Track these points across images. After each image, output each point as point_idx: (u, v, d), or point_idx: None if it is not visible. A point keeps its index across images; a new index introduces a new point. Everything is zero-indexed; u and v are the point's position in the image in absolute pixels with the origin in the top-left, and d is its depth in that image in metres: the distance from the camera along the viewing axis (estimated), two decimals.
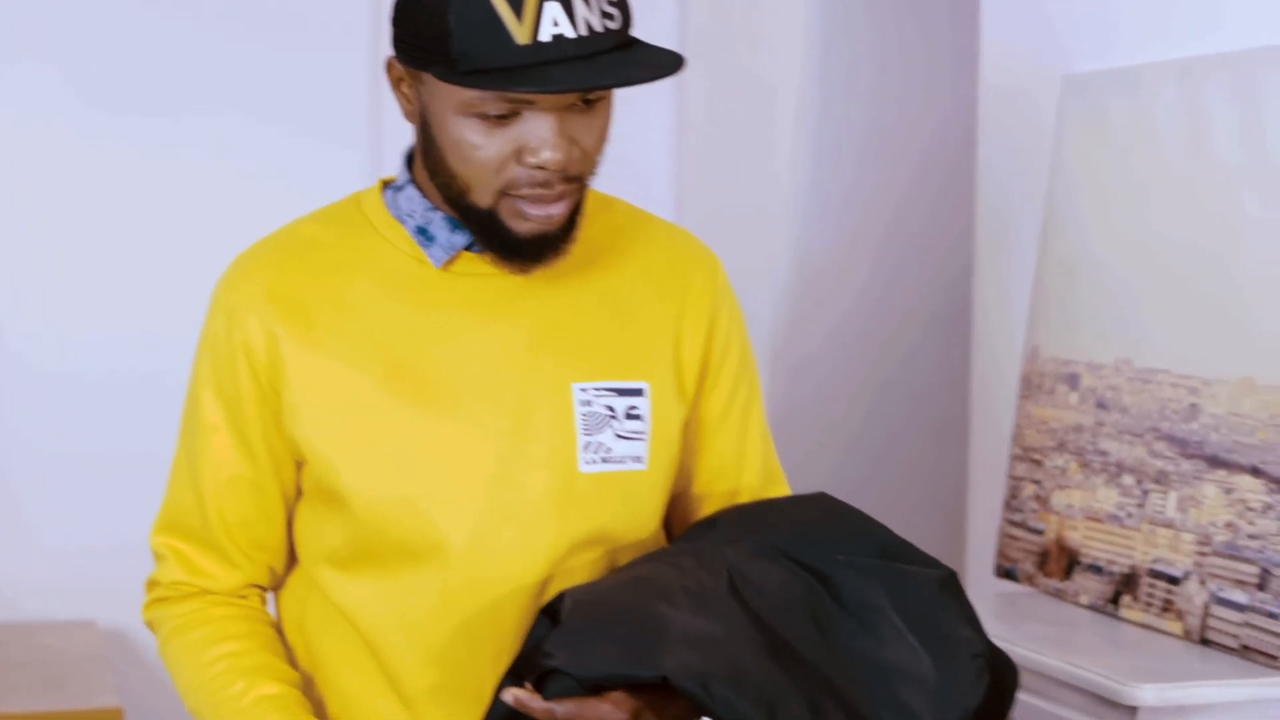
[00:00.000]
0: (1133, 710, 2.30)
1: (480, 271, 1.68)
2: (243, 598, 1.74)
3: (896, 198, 3.67)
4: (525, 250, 1.63)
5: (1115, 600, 2.68)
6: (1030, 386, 2.94)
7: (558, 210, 1.61)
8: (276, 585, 1.77)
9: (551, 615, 1.60)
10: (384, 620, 1.66)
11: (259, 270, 1.70)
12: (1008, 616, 2.71)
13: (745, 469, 1.83)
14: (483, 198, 1.61)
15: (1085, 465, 2.80)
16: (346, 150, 3.50)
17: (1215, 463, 2.54)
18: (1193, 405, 2.60)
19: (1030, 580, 2.87)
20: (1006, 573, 2.94)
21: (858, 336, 3.65)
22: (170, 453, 1.76)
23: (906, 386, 3.58)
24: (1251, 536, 2.45)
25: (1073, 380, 2.85)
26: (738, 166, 3.78)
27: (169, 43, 3.46)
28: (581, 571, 1.68)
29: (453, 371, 1.65)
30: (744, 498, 1.83)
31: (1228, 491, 2.50)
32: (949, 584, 1.69)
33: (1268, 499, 2.44)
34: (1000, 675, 1.71)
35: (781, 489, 1.89)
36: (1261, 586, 2.41)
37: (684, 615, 1.58)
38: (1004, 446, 3.04)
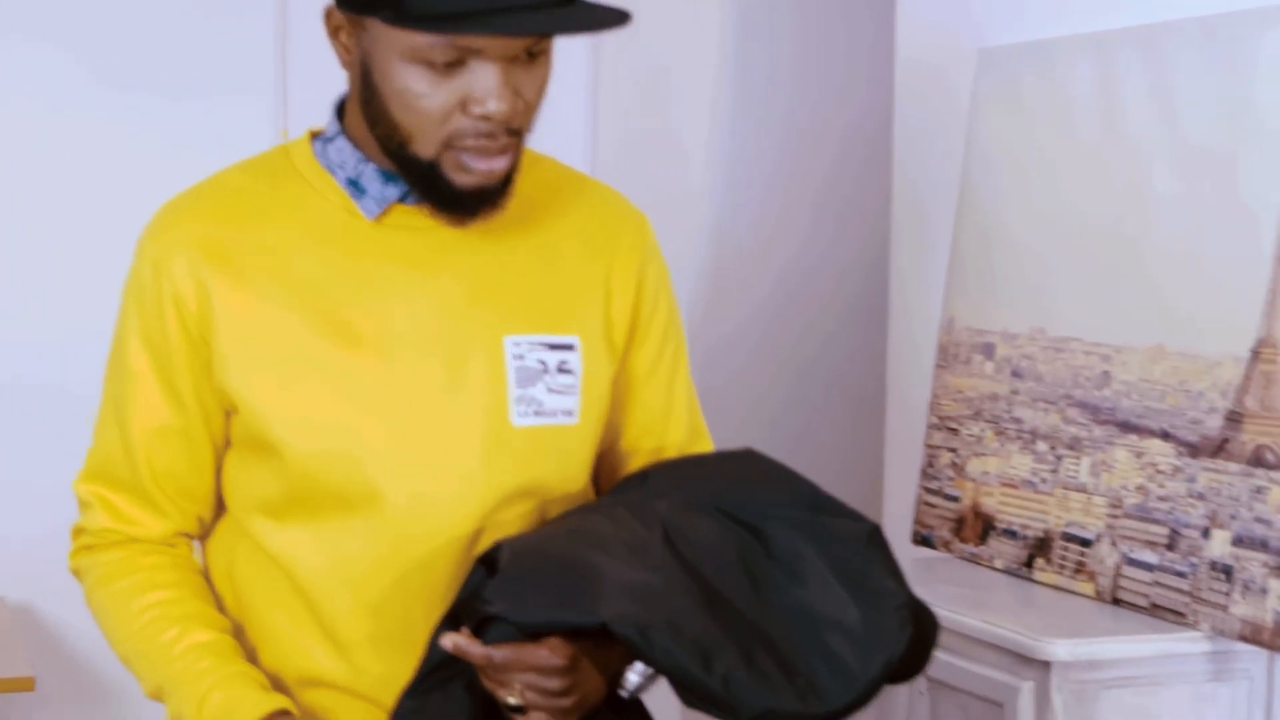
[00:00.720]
0: (1046, 665, 2.36)
1: (412, 224, 1.69)
2: (171, 546, 1.74)
3: (816, 178, 3.72)
4: (464, 203, 1.64)
5: (1029, 563, 2.74)
6: (947, 357, 3.00)
7: (500, 164, 1.62)
8: (204, 535, 1.78)
9: (488, 564, 1.62)
10: (318, 567, 1.67)
11: (186, 218, 1.69)
12: (924, 580, 2.76)
13: (672, 425, 1.85)
14: (425, 148, 1.61)
15: (1001, 433, 2.85)
16: (252, 103, 3.47)
17: (1126, 428, 2.60)
18: (1105, 372, 2.66)
19: (946, 546, 2.93)
20: (923, 539, 2.99)
21: (777, 315, 3.69)
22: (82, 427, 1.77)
23: (826, 363, 3.63)
24: (1161, 499, 2.51)
25: (988, 350, 2.91)
26: (655, 150, 3.81)
27: (59, 6, 3.42)
28: (513, 524, 1.70)
29: (385, 323, 1.66)
30: (670, 454, 1.86)
31: (1138, 456, 2.57)
32: (874, 537, 1.73)
33: (1177, 462, 2.50)
34: (921, 626, 1.75)
35: (706, 446, 1.91)
36: (1170, 547, 2.48)
37: (620, 565, 1.60)
38: (921, 417, 3.10)
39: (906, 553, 3.03)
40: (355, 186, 1.69)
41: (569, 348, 1.72)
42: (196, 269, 1.66)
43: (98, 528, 1.73)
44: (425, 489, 1.66)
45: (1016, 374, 2.84)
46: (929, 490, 2.99)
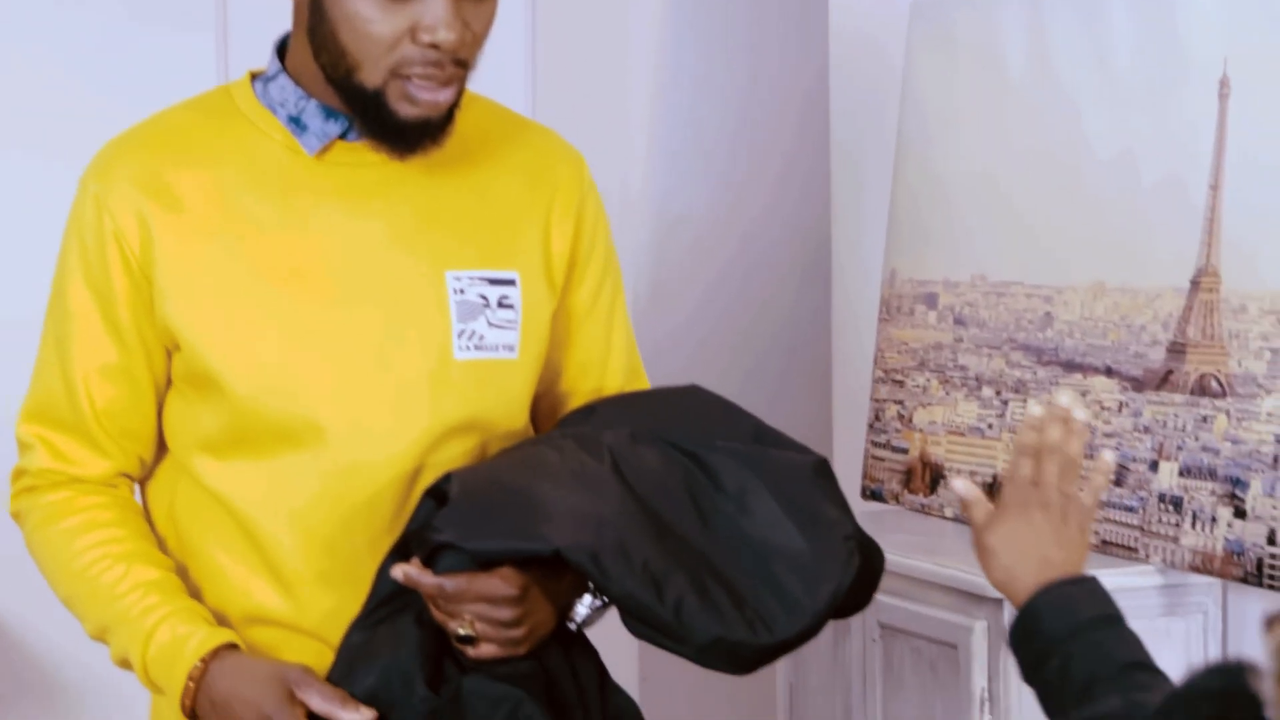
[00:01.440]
0: (999, 602, 2.35)
1: (353, 161, 1.69)
2: (112, 487, 1.73)
3: (756, 143, 3.71)
4: (407, 135, 1.64)
5: None
6: (890, 310, 2.99)
7: (445, 96, 1.62)
8: (144, 476, 1.77)
9: (437, 497, 1.61)
10: (261, 503, 1.67)
11: (128, 156, 1.69)
12: (875, 532, 2.72)
13: (610, 365, 1.86)
14: (372, 76, 1.61)
15: (946, 381, 2.85)
16: (194, 41, 3.39)
17: (1070, 367, 2.60)
18: (1047, 314, 2.66)
19: (896, 498, 2.92)
20: (873, 494, 2.98)
21: (721, 279, 3.68)
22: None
23: (771, 325, 3.62)
24: (1108, 435, 2.51)
25: (931, 300, 2.91)
26: (594, 120, 3.80)
27: None
28: (454, 460, 1.70)
29: (325, 258, 1.66)
30: (609, 394, 1.86)
31: (1084, 394, 2.56)
32: (821, 469, 1.73)
33: (1121, 397, 2.50)
34: (868, 558, 1.75)
35: (644, 387, 1.91)
36: (1119, 482, 2.48)
37: (570, 494, 1.60)
38: (867, 372, 3.09)
39: (857, 507, 3.01)
40: (296, 124, 1.69)
41: (509, 283, 1.73)
42: (138, 205, 1.66)
43: (38, 469, 1.73)
44: (366, 421, 1.66)
45: (959, 322, 2.83)
46: (876, 444, 2.98)
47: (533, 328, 1.75)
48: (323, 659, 1.64)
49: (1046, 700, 1.55)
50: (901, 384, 2.95)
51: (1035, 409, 1.61)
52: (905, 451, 2.91)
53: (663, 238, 3.64)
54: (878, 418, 2.99)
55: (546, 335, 1.78)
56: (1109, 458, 1.67)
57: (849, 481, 3.12)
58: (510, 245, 1.74)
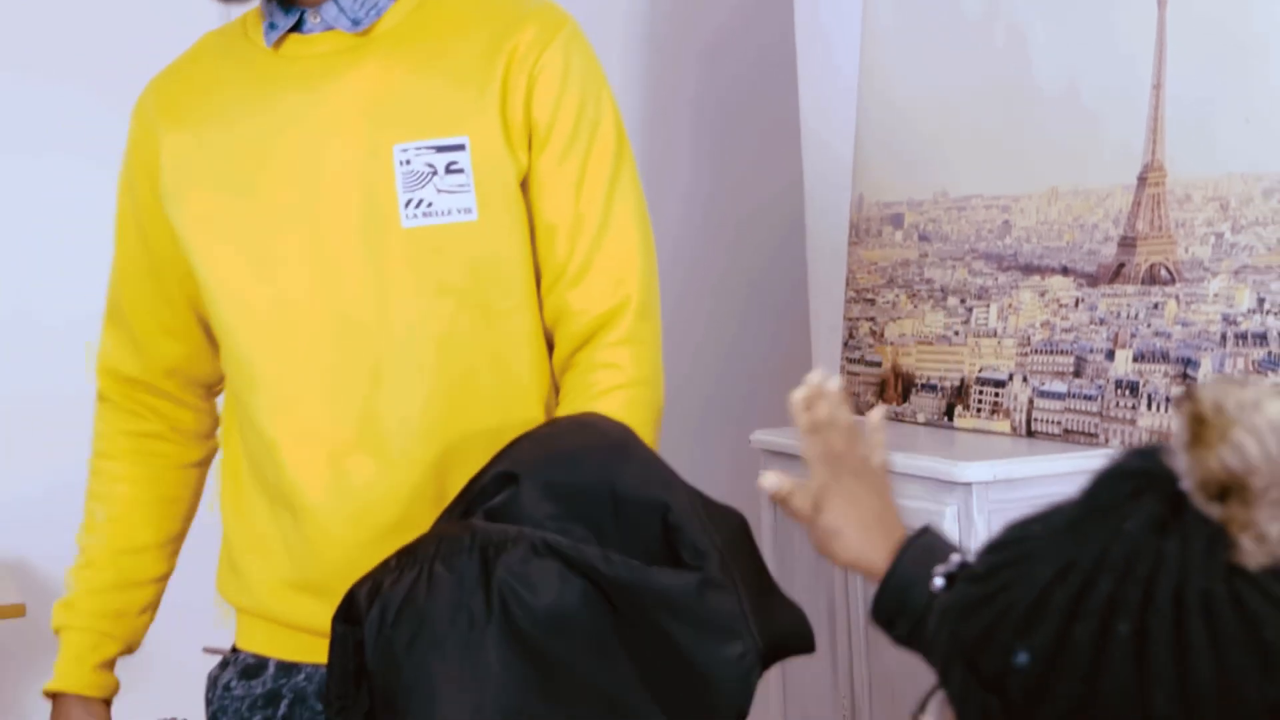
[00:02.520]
0: (967, 486, 2.48)
1: (305, 52, 1.78)
2: (154, 395, 1.92)
3: (726, 95, 3.82)
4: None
5: (949, 413, 2.86)
6: (859, 233, 3.12)
7: None
8: (210, 393, 1.96)
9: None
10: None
11: (160, 78, 1.88)
12: None
13: (578, 239, 1.78)
14: None
15: (914, 295, 2.98)
16: None
17: (1029, 270, 2.73)
18: (1005, 222, 2.79)
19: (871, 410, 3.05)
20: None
21: (705, 223, 3.79)
22: None
23: (748, 257, 3.74)
24: (1066, 331, 2.64)
25: (896, 220, 3.04)
26: None
27: None
28: (437, 324, 1.73)
29: (279, 153, 1.76)
30: (568, 307, 1.79)
31: (1042, 294, 2.70)
32: (707, 584, 1.57)
33: (1078, 294, 2.63)
34: (776, 645, 1.65)
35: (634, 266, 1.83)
36: (1078, 374, 2.61)
37: (454, 680, 1.54)
38: (840, 294, 3.22)
39: None
40: (271, 27, 1.81)
41: (458, 148, 1.73)
42: (151, 114, 1.84)
43: (105, 367, 1.95)
44: (328, 286, 1.75)
45: (924, 238, 2.97)
46: (851, 360, 3.12)
47: (491, 189, 1.73)
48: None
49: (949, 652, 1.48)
50: (872, 302, 3.08)
51: (794, 400, 1.54)
52: (878, 365, 3.05)
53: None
54: (851, 335, 3.12)
55: (515, 198, 1.75)
56: (877, 415, 1.63)
57: None
58: (461, 111, 1.74)
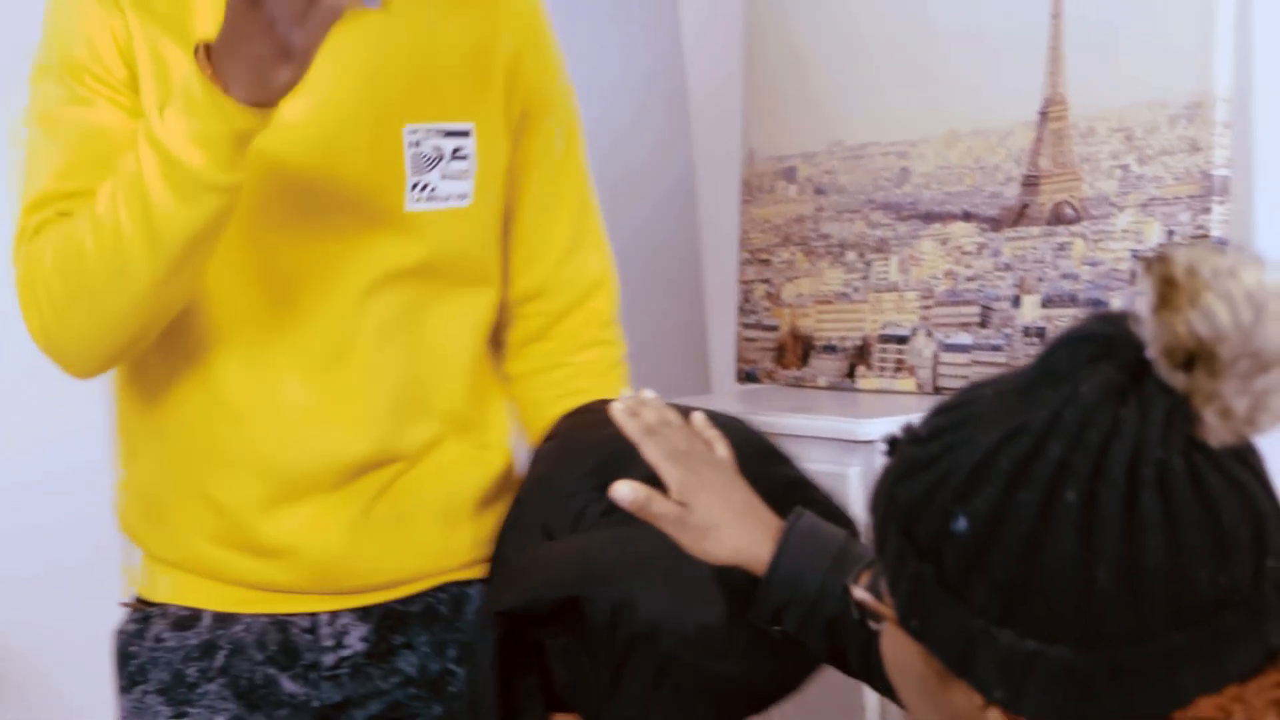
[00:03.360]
0: (871, 444, 2.34)
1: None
2: None
3: (608, 37, 3.68)
4: None
5: (851, 373, 2.72)
6: (751, 190, 2.97)
7: None
8: None
9: None
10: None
11: None
12: (750, 409, 2.72)
13: (559, 225, 1.88)
14: None
15: (810, 252, 2.83)
16: None
17: (929, 218, 2.59)
18: (903, 169, 2.65)
19: (770, 376, 2.90)
20: (748, 375, 2.96)
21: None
22: None
23: (636, 223, 3.58)
24: (970, 279, 2.50)
25: (790, 174, 2.89)
26: None
27: None
28: (401, 304, 1.73)
29: (284, 121, 1.63)
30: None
31: (943, 242, 2.56)
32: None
33: (980, 239, 2.49)
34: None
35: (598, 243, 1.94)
36: (984, 324, 2.47)
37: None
38: (734, 257, 3.07)
39: (732, 389, 3.00)
40: None
41: (464, 134, 1.72)
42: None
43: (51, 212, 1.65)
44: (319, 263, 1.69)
45: (819, 191, 2.82)
46: (747, 325, 2.97)
47: (488, 176, 1.76)
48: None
49: (834, 640, 1.44)
50: (768, 262, 2.93)
51: (617, 413, 1.52)
52: (775, 329, 2.90)
53: None
54: (747, 299, 2.97)
55: (504, 180, 1.79)
56: (647, 394, 1.60)
57: (724, 367, 3.11)
58: (466, 94, 1.73)
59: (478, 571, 1.80)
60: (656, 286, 3.39)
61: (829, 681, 1.61)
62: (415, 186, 1.69)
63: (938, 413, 1.07)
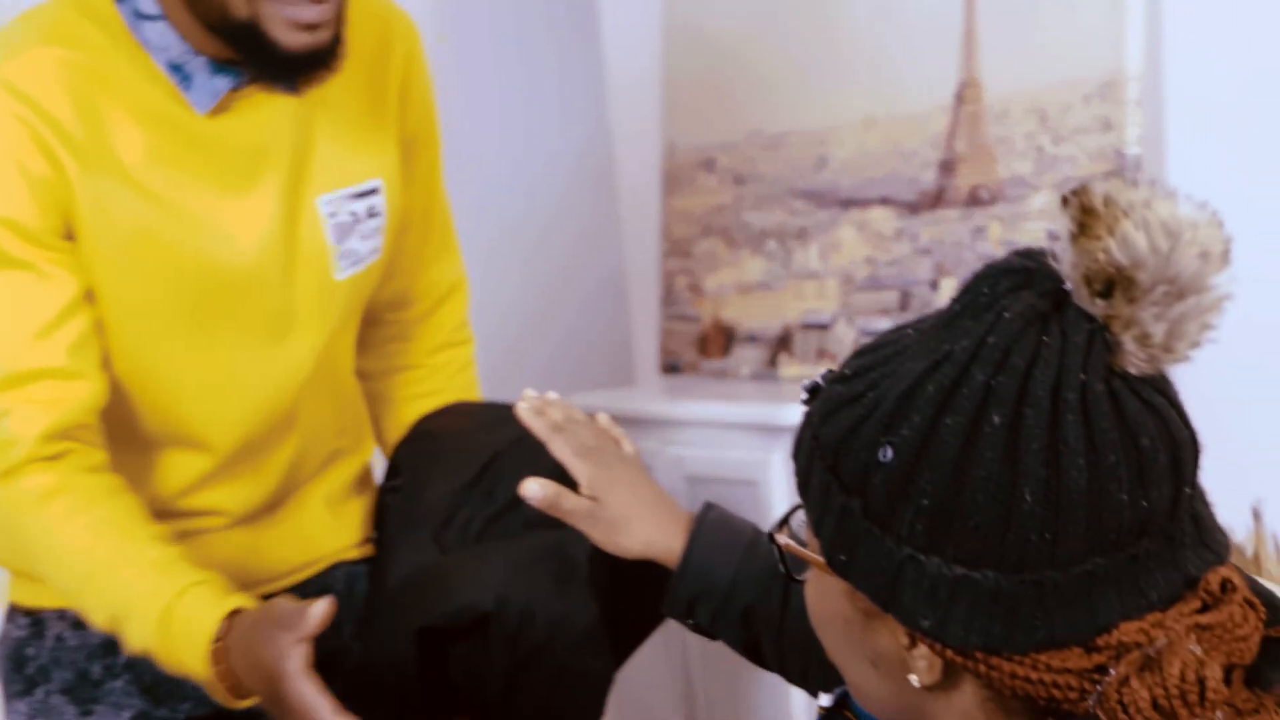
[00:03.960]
0: (792, 430, 2.33)
1: (241, 112, 1.64)
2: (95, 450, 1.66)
3: (527, 30, 3.67)
4: (297, 66, 1.58)
5: (773, 362, 2.71)
6: (672, 181, 2.96)
7: (319, 12, 1.55)
8: None
9: None
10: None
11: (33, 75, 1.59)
12: (674, 400, 2.73)
13: (430, 237, 1.92)
14: (239, 6, 1.54)
15: (731, 242, 2.83)
16: None
17: (848, 204, 2.59)
18: (821, 156, 2.65)
19: (693, 368, 2.89)
20: (671, 367, 2.95)
21: (511, 185, 3.62)
22: None
23: (555, 217, 3.57)
24: (889, 264, 2.50)
25: (709, 165, 2.88)
26: None
27: None
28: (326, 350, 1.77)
29: (222, 228, 1.65)
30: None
31: (862, 228, 2.56)
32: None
33: (899, 224, 2.49)
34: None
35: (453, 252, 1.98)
36: (903, 308, 2.47)
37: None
38: (656, 249, 3.06)
39: (656, 381, 2.99)
40: (179, 73, 1.60)
41: (373, 192, 1.74)
42: (47, 141, 1.57)
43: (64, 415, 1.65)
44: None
45: (739, 180, 2.81)
46: (670, 317, 2.95)
47: (392, 223, 1.79)
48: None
49: (750, 631, 1.46)
50: (689, 254, 2.92)
51: (523, 412, 1.54)
52: (697, 319, 2.89)
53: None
54: (669, 291, 2.96)
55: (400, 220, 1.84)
56: (552, 394, 1.61)
57: (647, 359, 3.10)
58: (367, 151, 1.73)
59: (366, 551, 1.86)
60: (579, 280, 3.37)
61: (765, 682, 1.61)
62: (341, 256, 1.71)
63: (861, 353, 1.09)
